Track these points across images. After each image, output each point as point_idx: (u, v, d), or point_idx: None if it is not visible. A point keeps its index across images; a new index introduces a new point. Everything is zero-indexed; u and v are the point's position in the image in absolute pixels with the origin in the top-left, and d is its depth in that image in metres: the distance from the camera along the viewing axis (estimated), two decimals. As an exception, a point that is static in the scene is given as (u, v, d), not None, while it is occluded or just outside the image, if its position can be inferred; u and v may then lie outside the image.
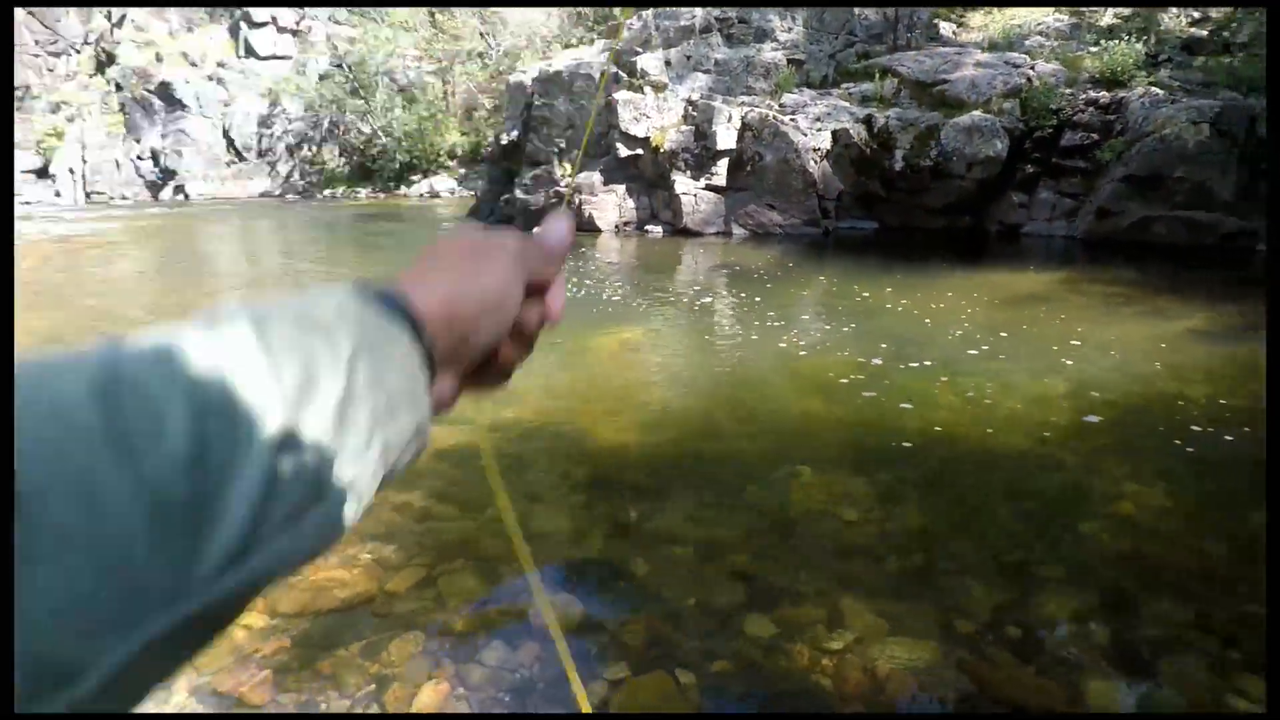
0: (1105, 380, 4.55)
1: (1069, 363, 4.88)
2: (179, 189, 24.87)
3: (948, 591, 2.50)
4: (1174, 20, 13.59)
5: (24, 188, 23.36)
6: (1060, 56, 12.63)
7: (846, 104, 12.35)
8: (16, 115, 24.04)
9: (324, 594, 2.54)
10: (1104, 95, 11.15)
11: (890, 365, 4.91)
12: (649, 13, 13.63)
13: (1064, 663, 2.17)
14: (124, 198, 24.50)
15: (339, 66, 26.13)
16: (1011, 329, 5.83)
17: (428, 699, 2.05)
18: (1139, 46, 11.74)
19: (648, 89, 12.66)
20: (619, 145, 12.49)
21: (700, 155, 12.00)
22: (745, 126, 11.78)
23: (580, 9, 21.80)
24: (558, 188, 12.84)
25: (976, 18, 15.98)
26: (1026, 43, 13.70)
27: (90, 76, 25.89)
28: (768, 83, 13.10)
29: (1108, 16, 14.26)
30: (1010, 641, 2.23)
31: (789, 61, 13.41)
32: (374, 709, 2.02)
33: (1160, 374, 4.66)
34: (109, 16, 26.08)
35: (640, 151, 12.46)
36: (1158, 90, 10.79)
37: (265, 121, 26.17)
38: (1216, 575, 2.62)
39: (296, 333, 0.29)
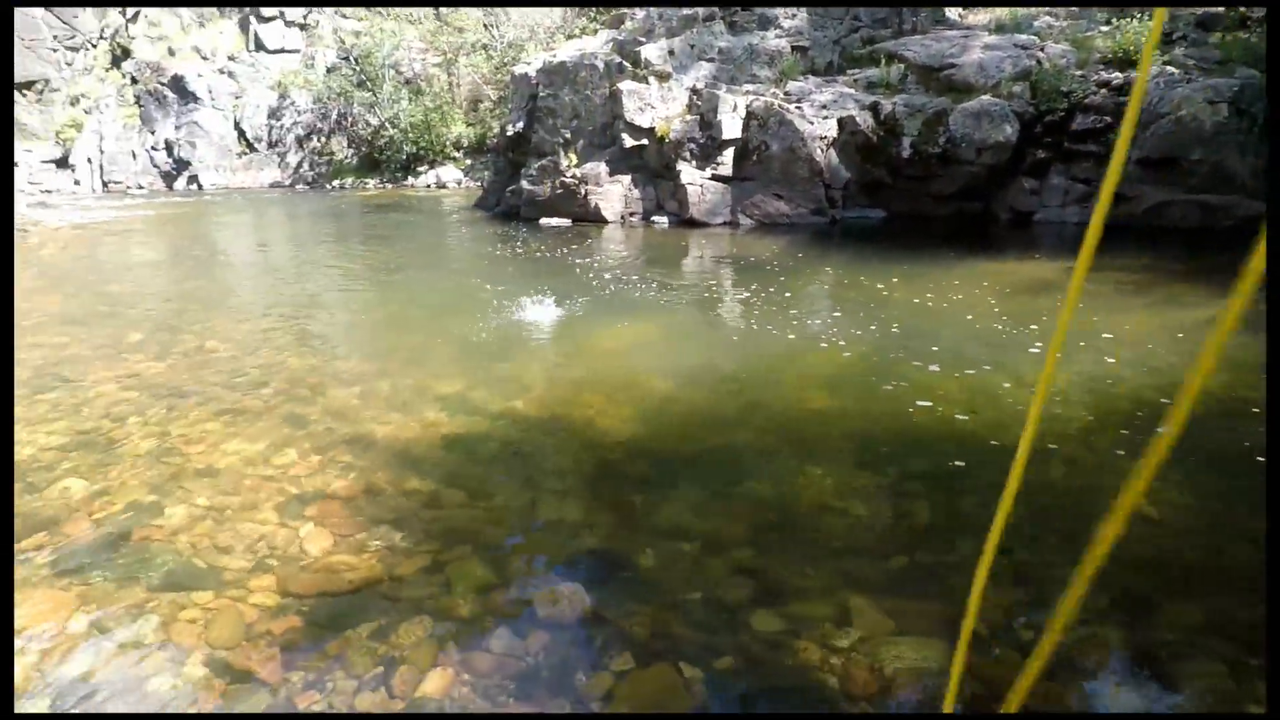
0: (1120, 372, 4.46)
1: (1083, 354, 4.78)
2: (192, 179, 25.43)
3: (957, 590, 2.45)
4: (1188, -2, 13.28)
5: (44, 177, 23.98)
6: (1070, 37, 12.35)
7: (852, 91, 12.18)
8: (38, 107, 24.52)
9: (334, 577, 2.56)
10: (1116, 76, 10.92)
11: (898, 357, 4.84)
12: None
13: (1076, 666, 2.12)
14: (140, 187, 25.06)
15: (346, 59, 26.25)
16: (1023, 319, 5.73)
17: (434, 684, 2.08)
18: (1151, 24, 11.47)
19: (652, 79, 12.54)
20: (624, 135, 12.40)
21: (705, 145, 11.89)
22: (750, 115, 11.66)
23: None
24: (563, 178, 12.76)
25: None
26: (1035, 23, 13.43)
27: (106, 70, 26.22)
28: (772, 70, 12.94)
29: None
30: (1022, 644, 2.18)
31: (793, 49, 13.24)
32: (381, 691, 2.05)
33: (1177, 366, 4.55)
34: (123, 12, 26.19)
35: (645, 141, 12.37)
36: (1172, 69, 10.53)
37: (275, 113, 26.38)
38: (1236, 577, 2.55)
39: None
